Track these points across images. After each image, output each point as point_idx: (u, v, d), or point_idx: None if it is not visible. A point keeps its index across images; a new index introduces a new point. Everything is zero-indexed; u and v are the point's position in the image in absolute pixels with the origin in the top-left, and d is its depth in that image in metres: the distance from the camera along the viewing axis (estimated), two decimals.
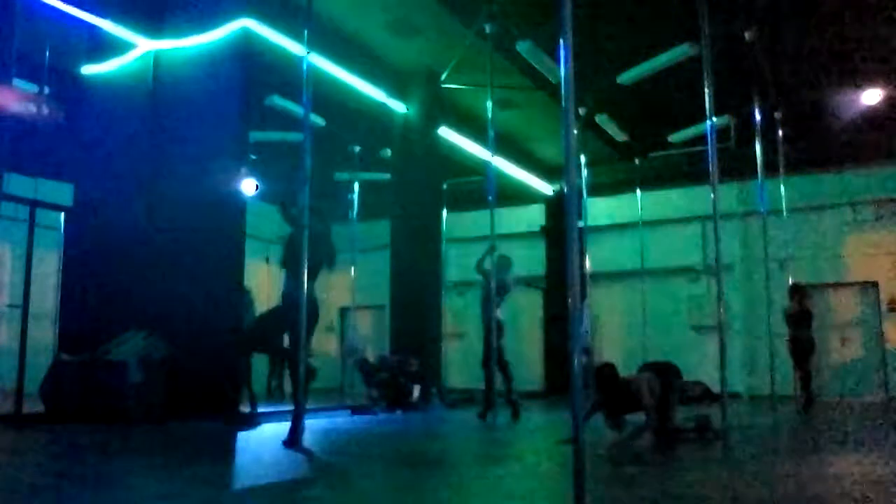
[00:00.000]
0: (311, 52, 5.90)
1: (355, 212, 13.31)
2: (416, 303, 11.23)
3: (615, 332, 15.05)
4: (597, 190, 13.51)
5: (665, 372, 5.89)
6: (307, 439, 5.33)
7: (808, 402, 9.61)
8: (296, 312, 5.26)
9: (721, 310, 6.30)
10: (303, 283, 5.28)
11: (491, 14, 8.42)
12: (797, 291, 10.01)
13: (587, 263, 11.31)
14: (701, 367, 12.89)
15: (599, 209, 14.11)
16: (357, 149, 12.65)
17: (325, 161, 10.64)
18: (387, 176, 12.45)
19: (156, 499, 3.34)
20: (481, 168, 12.44)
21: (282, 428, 5.69)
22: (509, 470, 4.55)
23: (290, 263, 5.56)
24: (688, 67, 8.91)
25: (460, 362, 14.32)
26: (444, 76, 11.13)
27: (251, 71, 8.24)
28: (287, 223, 5.72)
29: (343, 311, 17.30)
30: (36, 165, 8.55)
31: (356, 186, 13.17)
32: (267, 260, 14.43)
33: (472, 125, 12.40)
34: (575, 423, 2.64)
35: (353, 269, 13.41)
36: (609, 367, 5.80)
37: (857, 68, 10.89)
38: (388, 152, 12.36)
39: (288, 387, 9.23)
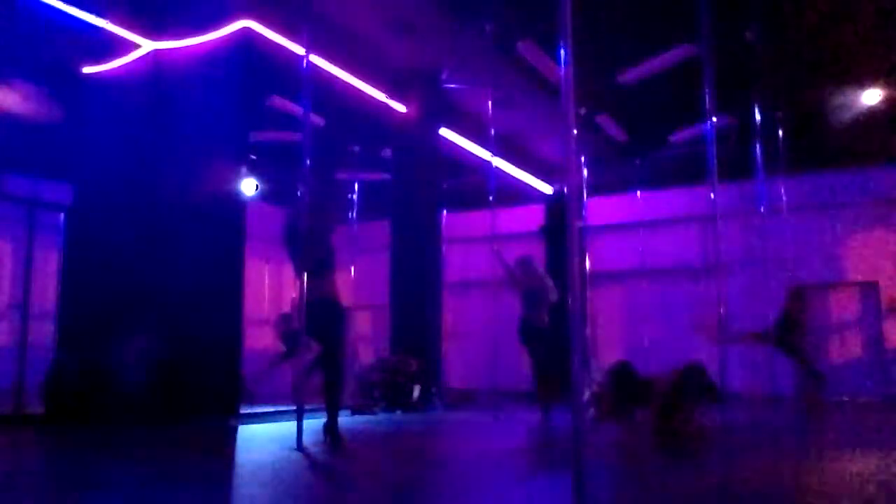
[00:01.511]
0: (311, 52, 5.91)
1: (355, 212, 13.32)
2: (416, 303, 11.22)
3: (615, 332, 15.04)
4: (597, 190, 13.51)
5: (689, 373, 5.97)
6: (307, 439, 5.33)
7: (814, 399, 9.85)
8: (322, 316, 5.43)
9: (721, 309, 6.31)
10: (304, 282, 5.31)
11: (491, 14, 8.43)
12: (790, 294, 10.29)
13: (587, 263, 11.31)
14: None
15: (599, 209, 14.11)
16: (357, 149, 12.66)
17: (325, 161, 10.65)
18: (387, 176, 12.45)
19: (156, 499, 3.34)
20: (481, 168, 12.45)
21: (282, 427, 5.68)
22: (509, 469, 4.55)
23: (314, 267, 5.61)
24: (688, 67, 8.91)
25: (460, 362, 14.32)
26: (444, 76, 11.12)
27: (251, 71, 8.24)
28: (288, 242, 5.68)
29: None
30: (36, 165, 8.55)
31: (356, 186, 13.18)
32: (267, 260, 14.43)
33: (472, 125, 12.40)
34: (575, 422, 2.64)
35: (352, 269, 13.41)
36: (625, 364, 5.99)
37: (856, 68, 10.89)
38: (388, 152, 12.36)
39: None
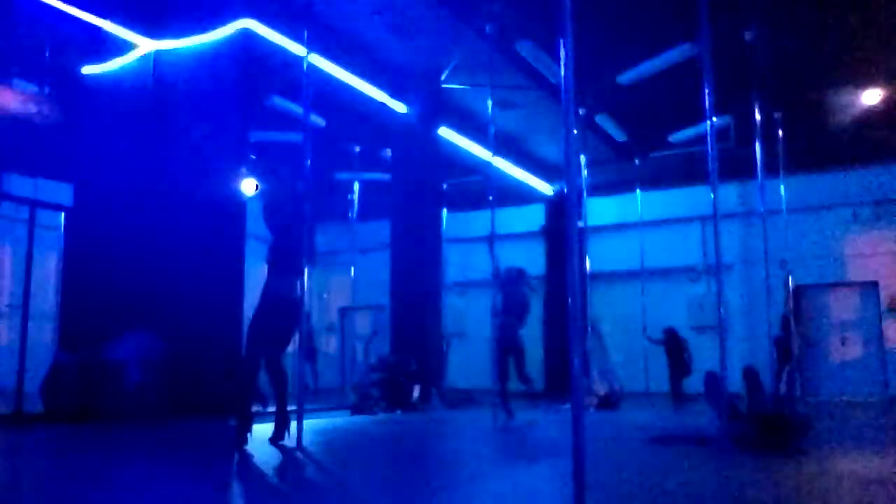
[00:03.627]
0: (311, 52, 5.91)
1: (355, 212, 13.32)
2: (416, 303, 11.22)
3: (615, 332, 15.03)
4: (597, 190, 13.51)
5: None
6: (306, 439, 5.33)
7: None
8: (286, 312, 5.32)
9: (721, 310, 6.29)
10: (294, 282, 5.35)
11: (491, 14, 8.42)
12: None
13: (587, 264, 11.31)
14: (701, 366, 12.90)
15: (599, 209, 14.11)
16: (357, 149, 12.66)
17: (325, 161, 10.66)
18: (387, 176, 12.45)
19: (156, 499, 3.34)
20: (481, 168, 12.45)
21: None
22: (509, 470, 4.55)
23: (276, 262, 5.49)
24: (688, 67, 8.91)
25: (460, 362, 14.33)
26: (444, 76, 11.12)
27: (251, 71, 8.25)
28: (266, 215, 5.56)
29: (343, 311, 17.31)
30: (36, 165, 8.55)
31: (356, 186, 13.18)
32: (267, 260, 14.42)
33: (472, 125, 12.40)
34: (575, 423, 2.63)
35: (352, 269, 13.42)
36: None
37: (857, 68, 10.89)
38: (388, 152, 12.37)
39: None
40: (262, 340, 5.28)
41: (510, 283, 8.12)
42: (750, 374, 5.91)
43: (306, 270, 5.57)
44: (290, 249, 5.40)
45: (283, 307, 5.31)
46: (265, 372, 5.39)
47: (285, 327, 5.36)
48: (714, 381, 5.60)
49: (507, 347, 7.88)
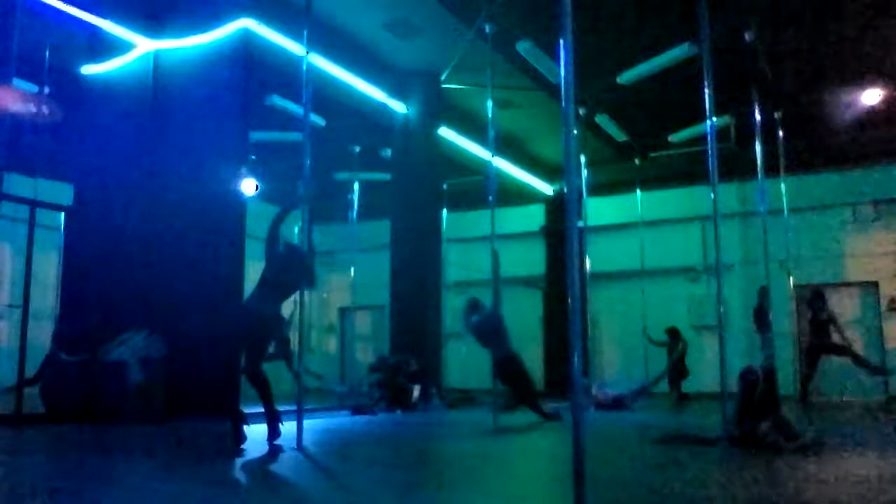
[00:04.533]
0: (311, 52, 5.91)
1: (355, 212, 13.32)
2: (416, 303, 11.22)
3: (615, 332, 15.04)
4: (597, 190, 13.50)
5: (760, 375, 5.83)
6: (306, 439, 5.34)
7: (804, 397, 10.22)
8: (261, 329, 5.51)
9: (721, 310, 6.29)
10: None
11: (491, 14, 8.42)
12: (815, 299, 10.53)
13: (587, 263, 11.30)
14: (701, 366, 12.91)
15: (599, 209, 14.10)
16: (357, 149, 12.66)
17: (325, 161, 10.65)
18: (387, 176, 12.45)
19: (156, 499, 3.34)
20: (481, 168, 12.45)
21: (282, 427, 5.68)
22: (509, 470, 4.55)
23: (268, 283, 5.56)
24: (688, 67, 8.91)
25: (460, 362, 14.34)
26: (444, 76, 11.12)
27: (251, 71, 8.24)
28: (268, 241, 5.56)
29: (343, 311, 17.31)
30: (36, 165, 8.55)
31: (356, 186, 13.17)
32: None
33: (472, 125, 12.40)
34: (575, 422, 2.63)
35: (352, 269, 13.41)
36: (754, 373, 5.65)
37: (857, 68, 10.90)
38: (388, 152, 12.37)
39: None
40: (239, 349, 5.58)
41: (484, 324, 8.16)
42: (769, 376, 5.86)
43: (305, 293, 5.71)
44: (278, 278, 5.50)
45: (253, 323, 5.47)
46: (245, 378, 5.54)
47: (254, 340, 5.52)
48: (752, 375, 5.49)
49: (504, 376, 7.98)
